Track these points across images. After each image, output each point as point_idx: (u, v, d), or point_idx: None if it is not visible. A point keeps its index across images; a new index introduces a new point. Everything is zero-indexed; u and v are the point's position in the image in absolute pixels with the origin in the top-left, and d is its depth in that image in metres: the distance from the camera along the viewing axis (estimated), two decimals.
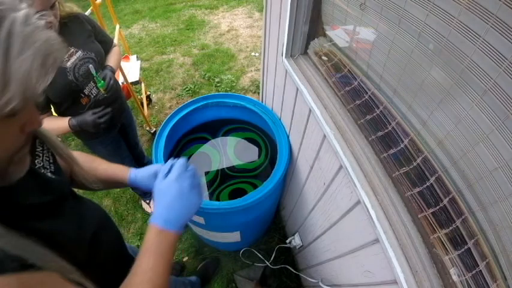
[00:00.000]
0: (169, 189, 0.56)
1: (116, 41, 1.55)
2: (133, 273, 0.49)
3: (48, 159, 0.52)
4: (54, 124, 1.14)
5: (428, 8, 0.45)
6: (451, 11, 0.41)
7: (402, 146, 0.62)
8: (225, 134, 1.52)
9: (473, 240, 0.48)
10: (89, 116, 1.12)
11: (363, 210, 0.67)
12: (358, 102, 0.75)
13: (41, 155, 0.51)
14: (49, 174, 0.50)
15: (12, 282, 0.32)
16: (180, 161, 0.61)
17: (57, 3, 1.01)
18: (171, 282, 1.11)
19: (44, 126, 1.23)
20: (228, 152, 1.46)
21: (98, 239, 0.55)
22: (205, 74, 3.04)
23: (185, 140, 1.49)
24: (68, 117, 1.14)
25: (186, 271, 1.73)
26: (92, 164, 0.71)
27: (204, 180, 1.37)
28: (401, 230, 0.60)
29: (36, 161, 0.49)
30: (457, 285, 0.50)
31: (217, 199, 1.31)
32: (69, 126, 1.12)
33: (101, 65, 1.22)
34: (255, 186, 1.35)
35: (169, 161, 0.62)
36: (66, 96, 1.10)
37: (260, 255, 1.66)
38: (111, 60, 1.29)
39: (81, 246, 0.50)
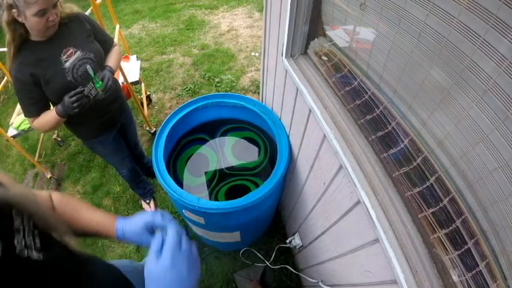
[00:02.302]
0: (165, 277, 0.48)
1: (116, 41, 1.55)
2: None
3: (31, 232, 0.42)
4: (47, 116, 1.13)
5: (428, 8, 0.45)
6: (451, 11, 0.41)
7: (402, 146, 0.62)
8: (224, 134, 1.52)
9: (473, 240, 0.48)
10: (66, 100, 1.08)
11: (362, 210, 0.67)
12: (358, 102, 0.75)
13: (21, 228, 0.40)
14: (35, 253, 0.41)
15: None
16: (172, 239, 0.52)
17: (58, 3, 1.01)
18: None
19: (38, 121, 1.20)
20: (226, 152, 1.46)
21: None
22: (205, 74, 3.04)
23: (185, 141, 1.49)
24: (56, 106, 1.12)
25: None
26: (73, 212, 0.62)
27: (203, 180, 1.37)
28: (401, 230, 0.60)
29: (15, 241, 0.39)
30: (457, 285, 0.50)
31: (216, 198, 1.31)
32: (57, 113, 1.10)
33: (100, 65, 1.22)
34: (254, 183, 1.35)
35: (159, 235, 0.54)
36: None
37: (260, 255, 1.66)
38: (111, 60, 1.29)
39: None
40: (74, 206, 0.64)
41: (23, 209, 0.42)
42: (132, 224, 0.61)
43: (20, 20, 0.95)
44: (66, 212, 0.62)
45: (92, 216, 0.64)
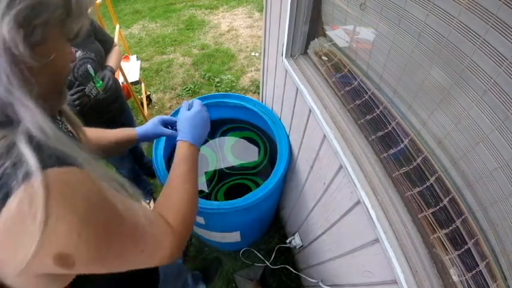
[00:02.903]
0: (195, 116, 0.73)
1: (116, 41, 1.55)
2: (171, 179, 0.61)
3: (66, 127, 0.56)
4: None
5: (428, 8, 0.45)
6: (451, 11, 0.41)
7: (402, 146, 0.62)
8: (224, 134, 1.52)
9: (473, 240, 0.48)
10: (67, 98, 1.10)
11: (362, 210, 0.67)
12: (358, 102, 0.75)
13: (60, 123, 0.54)
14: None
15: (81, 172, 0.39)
16: (198, 100, 0.79)
17: None
18: (178, 265, 1.14)
19: None
20: (225, 152, 1.46)
21: None
22: (205, 74, 3.04)
23: None
24: None
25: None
26: (98, 133, 0.77)
27: (203, 180, 1.37)
28: (401, 230, 0.60)
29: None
30: (457, 285, 0.50)
31: (216, 198, 1.31)
32: None
33: (100, 65, 1.22)
34: (254, 182, 1.35)
35: (186, 102, 0.79)
36: None
37: (260, 255, 1.66)
38: (111, 60, 1.29)
39: None
40: (95, 128, 0.78)
41: (61, 111, 0.56)
42: (149, 122, 0.84)
43: None
44: (91, 132, 0.74)
45: (112, 130, 0.81)
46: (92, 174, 0.40)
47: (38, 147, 0.36)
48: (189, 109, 0.76)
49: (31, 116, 0.36)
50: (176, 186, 0.60)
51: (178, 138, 0.69)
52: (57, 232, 0.35)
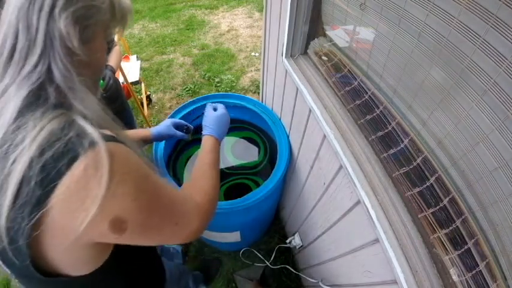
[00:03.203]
0: (221, 117, 0.83)
1: (116, 41, 1.55)
2: (198, 165, 0.69)
3: None
4: None
5: (428, 8, 0.45)
6: (451, 11, 0.41)
7: (402, 146, 0.62)
8: None
9: (473, 240, 0.48)
10: None
11: (363, 210, 0.67)
12: (358, 102, 0.75)
13: None
14: None
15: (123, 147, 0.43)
16: (222, 104, 0.88)
17: None
18: (179, 267, 1.16)
19: None
20: (225, 152, 1.46)
21: None
22: (205, 74, 3.04)
23: (184, 142, 1.49)
24: None
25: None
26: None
27: None
28: (401, 230, 0.60)
29: None
30: (457, 285, 0.50)
31: None
32: None
33: None
34: (254, 182, 1.35)
35: (210, 104, 0.88)
36: None
37: (260, 255, 1.66)
38: (112, 60, 1.29)
39: None
40: None
41: None
42: (162, 124, 0.95)
43: None
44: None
45: (128, 132, 0.85)
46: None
47: (93, 125, 0.41)
48: (214, 110, 0.87)
49: (86, 100, 0.42)
50: (204, 172, 0.68)
51: (205, 133, 0.79)
52: (116, 196, 0.38)
